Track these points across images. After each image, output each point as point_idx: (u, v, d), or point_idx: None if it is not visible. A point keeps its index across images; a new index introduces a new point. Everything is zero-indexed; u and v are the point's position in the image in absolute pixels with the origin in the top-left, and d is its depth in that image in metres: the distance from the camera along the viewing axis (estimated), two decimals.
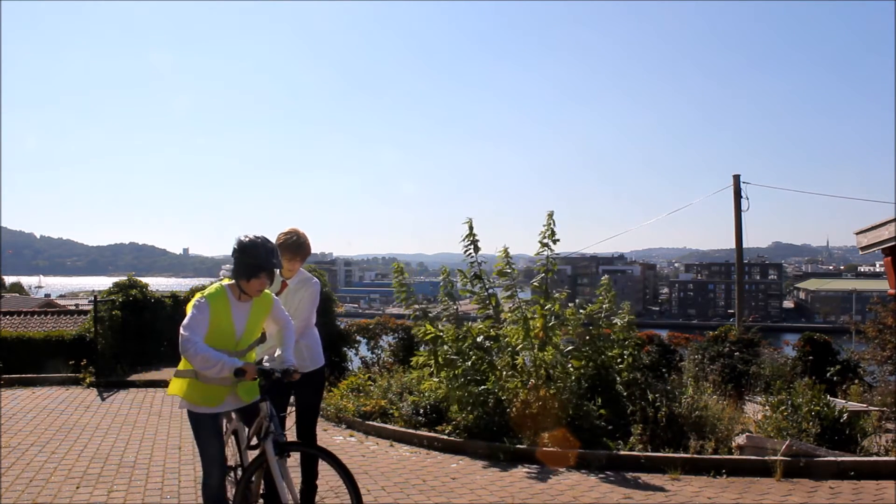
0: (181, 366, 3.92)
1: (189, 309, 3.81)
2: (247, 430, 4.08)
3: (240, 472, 4.15)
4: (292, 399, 4.76)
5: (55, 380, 10.81)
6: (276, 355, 4.41)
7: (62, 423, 8.00)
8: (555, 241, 7.46)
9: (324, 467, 4.64)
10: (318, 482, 4.80)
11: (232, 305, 3.88)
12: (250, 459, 4.08)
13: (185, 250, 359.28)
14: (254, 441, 3.94)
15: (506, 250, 7.57)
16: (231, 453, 4.27)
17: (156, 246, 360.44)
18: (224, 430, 4.14)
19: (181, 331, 3.69)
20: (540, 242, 7.48)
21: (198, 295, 3.87)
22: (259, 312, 4.01)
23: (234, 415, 4.07)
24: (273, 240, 4.17)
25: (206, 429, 3.89)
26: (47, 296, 64.94)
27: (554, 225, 7.42)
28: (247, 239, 3.90)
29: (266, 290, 3.99)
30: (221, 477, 3.94)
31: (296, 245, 4.59)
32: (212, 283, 4.18)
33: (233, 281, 3.94)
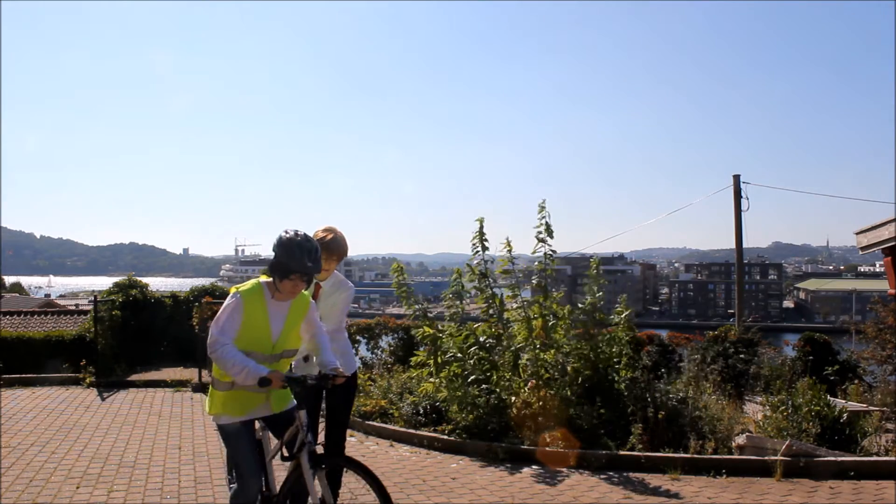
0: (217, 374, 3.65)
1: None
2: (272, 439, 3.84)
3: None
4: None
5: (55, 380, 10.81)
6: (312, 360, 4.23)
7: (62, 423, 8.00)
8: (551, 235, 7.40)
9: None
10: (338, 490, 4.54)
11: (268, 304, 3.59)
12: (274, 470, 3.88)
13: (185, 250, 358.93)
14: (286, 452, 3.65)
15: (508, 242, 7.47)
16: None
17: (156, 246, 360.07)
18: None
19: (211, 329, 3.46)
20: (536, 238, 7.44)
21: (233, 290, 3.62)
22: (297, 314, 3.70)
23: (257, 423, 3.82)
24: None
25: (241, 439, 3.63)
26: (47, 296, 64.89)
27: (548, 217, 7.35)
28: (286, 235, 3.60)
29: (304, 291, 3.72)
30: (259, 489, 3.69)
31: (332, 245, 4.36)
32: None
33: (270, 278, 3.64)
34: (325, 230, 4.42)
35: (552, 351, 7.30)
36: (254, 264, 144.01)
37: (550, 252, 7.55)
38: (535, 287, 7.59)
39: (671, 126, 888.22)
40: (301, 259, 3.52)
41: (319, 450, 3.70)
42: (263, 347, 3.59)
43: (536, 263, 7.56)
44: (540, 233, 7.42)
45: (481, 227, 7.45)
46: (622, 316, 7.57)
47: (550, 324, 7.39)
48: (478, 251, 7.50)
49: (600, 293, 7.55)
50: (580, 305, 7.63)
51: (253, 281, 3.68)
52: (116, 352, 11.91)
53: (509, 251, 7.53)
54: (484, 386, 7.15)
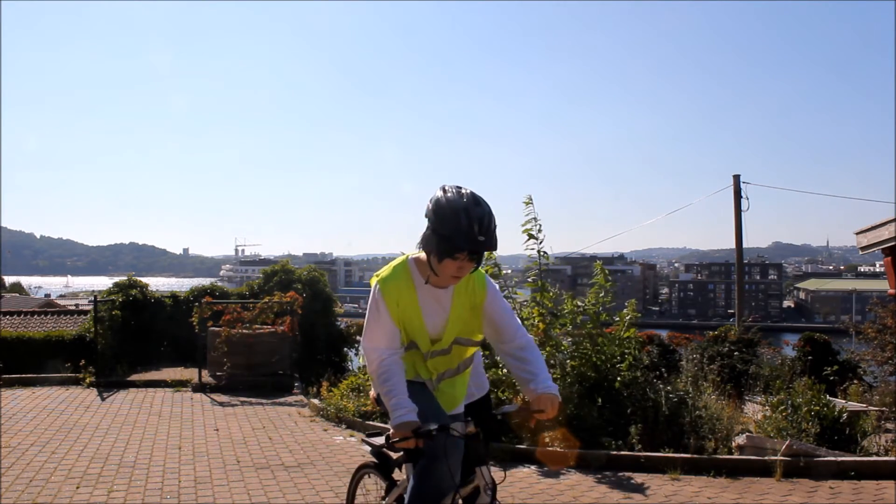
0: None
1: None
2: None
3: None
4: None
5: (55, 380, 10.81)
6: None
7: (62, 423, 8.00)
8: (539, 231, 7.19)
9: None
10: None
11: (418, 290, 2.66)
12: None
13: (185, 250, 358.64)
14: None
15: (533, 234, 7.26)
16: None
17: (156, 246, 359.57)
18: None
19: (363, 341, 2.71)
20: (528, 234, 7.23)
21: (373, 279, 2.72)
22: (465, 301, 2.71)
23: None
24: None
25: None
26: (47, 296, 64.89)
27: (534, 211, 7.13)
28: (444, 196, 2.54)
29: (479, 272, 2.70)
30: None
31: None
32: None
33: (422, 253, 2.64)
34: None
35: (548, 348, 7.27)
36: (254, 264, 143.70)
37: (542, 250, 7.31)
38: (531, 285, 7.56)
39: (671, 126, 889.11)
40: (469, 230, 2.44)
41: None
42: (419, 345, 2.76)
43: (531, 262, 7.44)
44: (530, 229, 7.21)
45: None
46: (626, 318, 7.52)
47: (548, 321, 7.39)
48: None
49: (608, 297, 7.45)
50: (579, 305, 7.62)
51: (396, 260, 2.73)
52: (116, 352, 11.92)
53: (539, 242, 7.20)
54: None
